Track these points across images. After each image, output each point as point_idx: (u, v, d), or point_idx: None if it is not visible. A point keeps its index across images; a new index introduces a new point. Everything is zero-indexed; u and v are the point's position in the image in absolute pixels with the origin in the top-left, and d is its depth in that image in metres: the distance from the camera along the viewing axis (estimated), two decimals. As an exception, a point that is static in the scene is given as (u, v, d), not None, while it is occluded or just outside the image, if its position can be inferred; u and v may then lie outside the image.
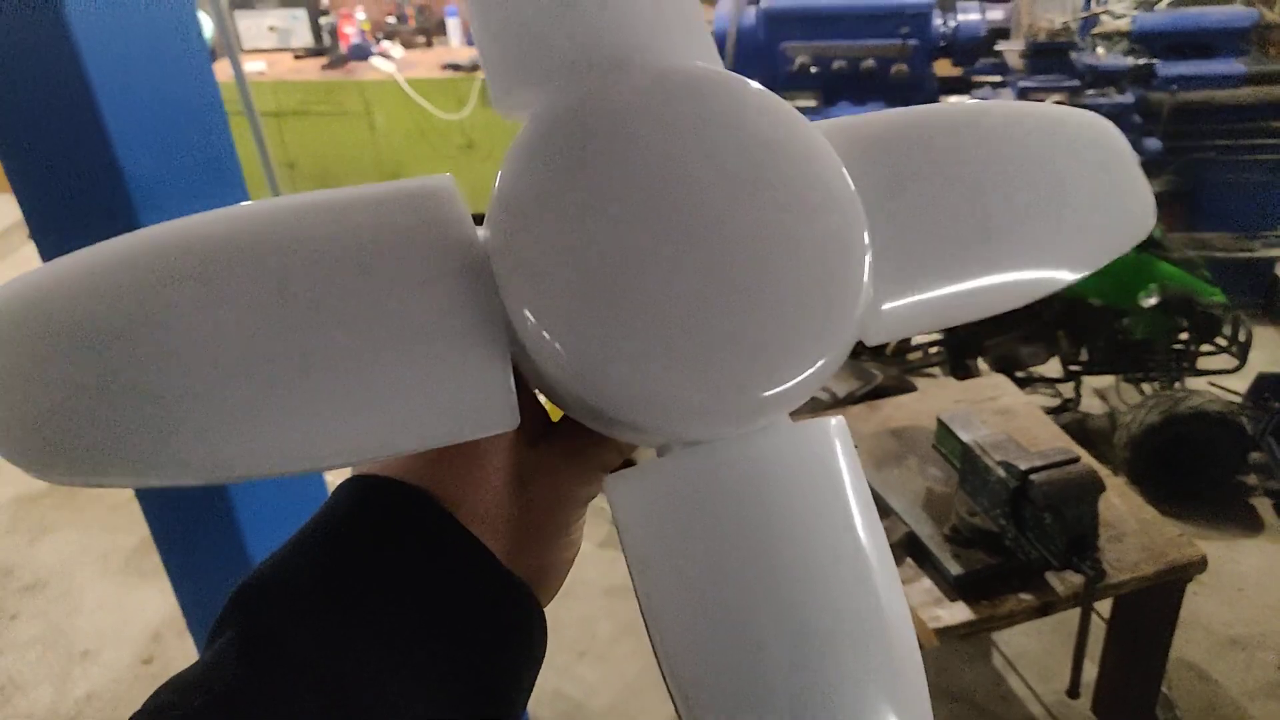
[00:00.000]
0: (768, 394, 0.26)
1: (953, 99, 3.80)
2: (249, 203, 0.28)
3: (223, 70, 2.08)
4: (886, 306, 0.30)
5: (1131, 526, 1.68)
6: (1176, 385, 2.71)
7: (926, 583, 1.59)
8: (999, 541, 1.58)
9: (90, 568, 2.64)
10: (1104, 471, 1.69)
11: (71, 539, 2.75)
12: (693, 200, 0.27)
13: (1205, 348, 2.71)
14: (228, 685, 0.26)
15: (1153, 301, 2.55)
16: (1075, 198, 0.33)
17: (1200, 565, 1.62)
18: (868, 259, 0.28)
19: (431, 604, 0.29)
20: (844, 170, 0.29)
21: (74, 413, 0.25)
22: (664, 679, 0.27)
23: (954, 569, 1.56)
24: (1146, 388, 2.81)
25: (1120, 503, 1.73)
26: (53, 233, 1.36)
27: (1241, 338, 2.63)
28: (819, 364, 0.27)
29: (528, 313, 0.26)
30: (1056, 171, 0.33)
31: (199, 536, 1.60)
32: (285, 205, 0.28)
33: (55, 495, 2.94)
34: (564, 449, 0.34)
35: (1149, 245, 2.63)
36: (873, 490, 1.75)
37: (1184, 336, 2.71)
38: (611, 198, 0.27)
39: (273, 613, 0.28)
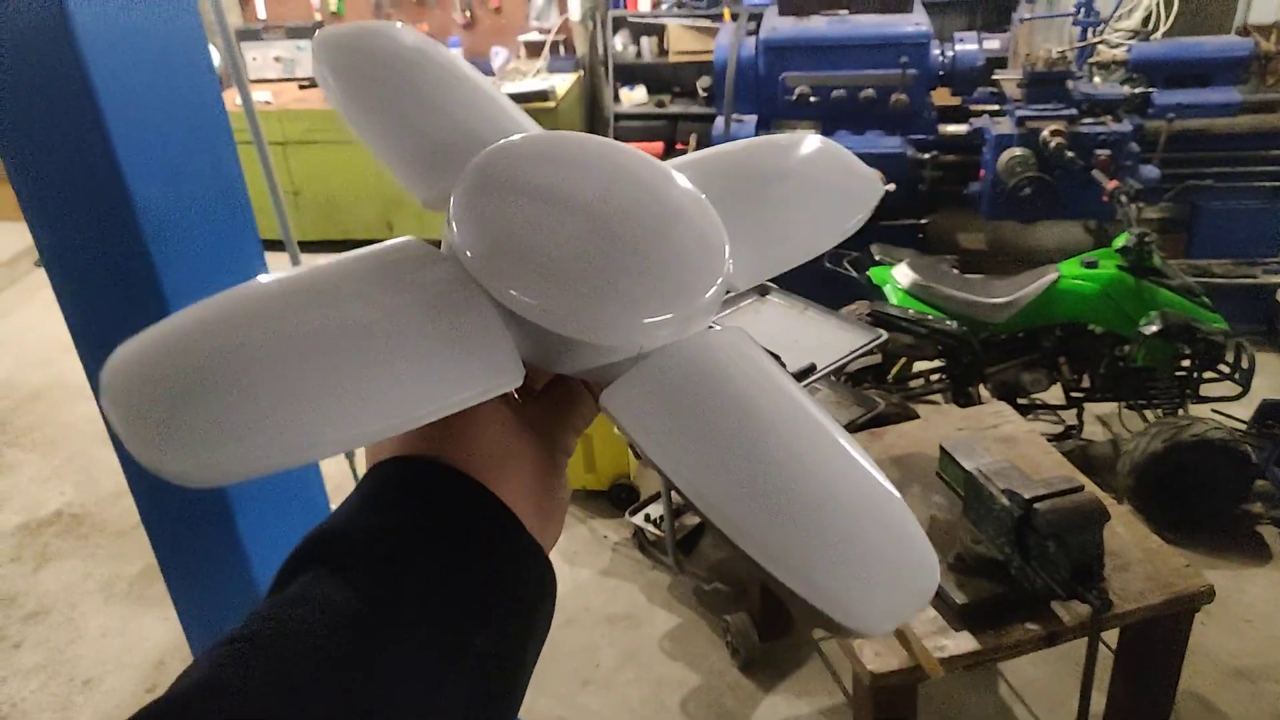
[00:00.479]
0: (658, 319, 0.37)
1: (951, 127, 3.83)
2: (299, 270, 0.37)
3: (230, 100, 2.11)
4: (738, 264, 0.42)
5: (1136, 555, 1.67)
6: (1179, 412, 2.71)
7: (931, 612, 1.59)
8: (1004, 570, 1.57)
9: (93, 595, 2.63)
10: (1108, 500, 1.69)
11: (75, 566, 2.75)
12: (593, 199, 0.39)
13: (1208, 374, 2.71)
14: (332, 600, 0.32)
15: (1154, 329, 2.56)
16: (820, 191, 0.49)
17: (1208, 595, 1.61)
18: (726, 245, 0.41)
19: (461, 545, 0.36)
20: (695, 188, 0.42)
21: (211, 400, 0.31)
22: (708, 523, 0.35)
23: (959, 598, 1.56)
24: (1149, 415, 2.81)
25: (1125, 531, 1.72)
26: (64, 259, 1.37)
27: (1244, 364, 2.64)
28: (690, 307, 0.38)
29: (509, 287, 0.36)
30: (802, 176, 0.50)
31: (204, 563, 1.60)
32: (314, 267, 0.37)
33: (60, 522, 2.94)
34: (546, 407, 0.42)
35: (1149, 272, 2.65)
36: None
37: (1186, 363, 2.71)
38: (538, 203, 0.39)
39: (347, 554, 0.34)
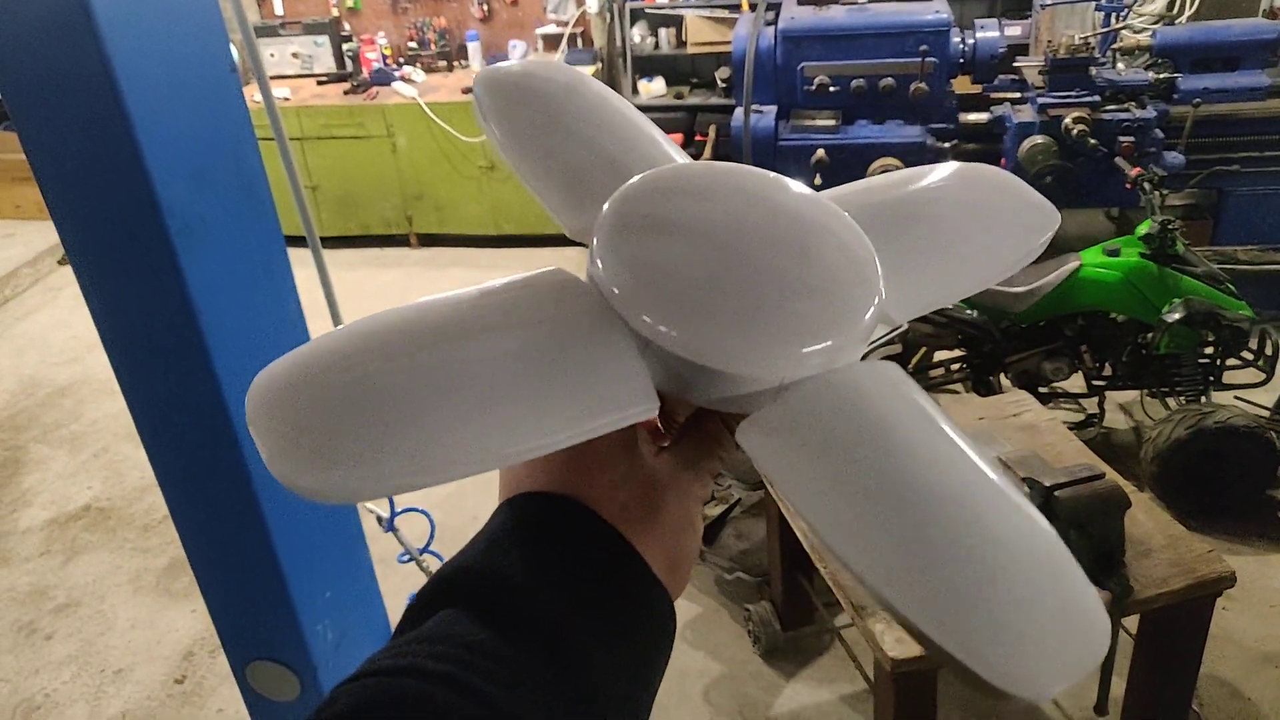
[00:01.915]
0: (808, 350, 0.36)
1: (971, 116, 3.80)
2: (445, 296, 0.38)
3: (249, 96, 2.12)
4: (897, 299, 0.40)
5: (1159, 542, 1.67)
6: (1203, 400, 2.68)
7: (952, 599, 1.59)
8: (1025, 558, 1.57)
9: (122, 588, 2.68)
10: (1129, 487, 1.68)
11: (104, 560, 2.79)
12: (729, 226, 0.39)
13: (1231, 361, 2.69)
14: (475, 640, 0.33)
15: (1177, 316, 2.54)
16: (986, 220, 0.47)
17: (1230, 580, 1.60)
18: (878, 264, 0.39)
19: (598, 589, 0.36)
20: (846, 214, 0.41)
21: (360, 421, 0.33)
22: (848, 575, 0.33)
23: (980, 586, 1.56)
24: (1172, 402, 2.79)
25: (1147, 519, 1.72)
26: (90, 258, 1.39)
27: (1268, 351, 2.61)
28: (842, 335, 0.36)
29: (645, 316, 0.36)
30: (971, 208, 0.47)
31: (232, 556, 1.62)
32: (457, 294, 0.38)
33: (88, 517, 2.99)
34: (682, 456, 0.41)
35: (1172, 260, 2.62)
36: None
37: (1209, 350, 2.69)
38: (674, 235, 0.38)
39: (491, 592, 0.35)
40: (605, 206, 0.40)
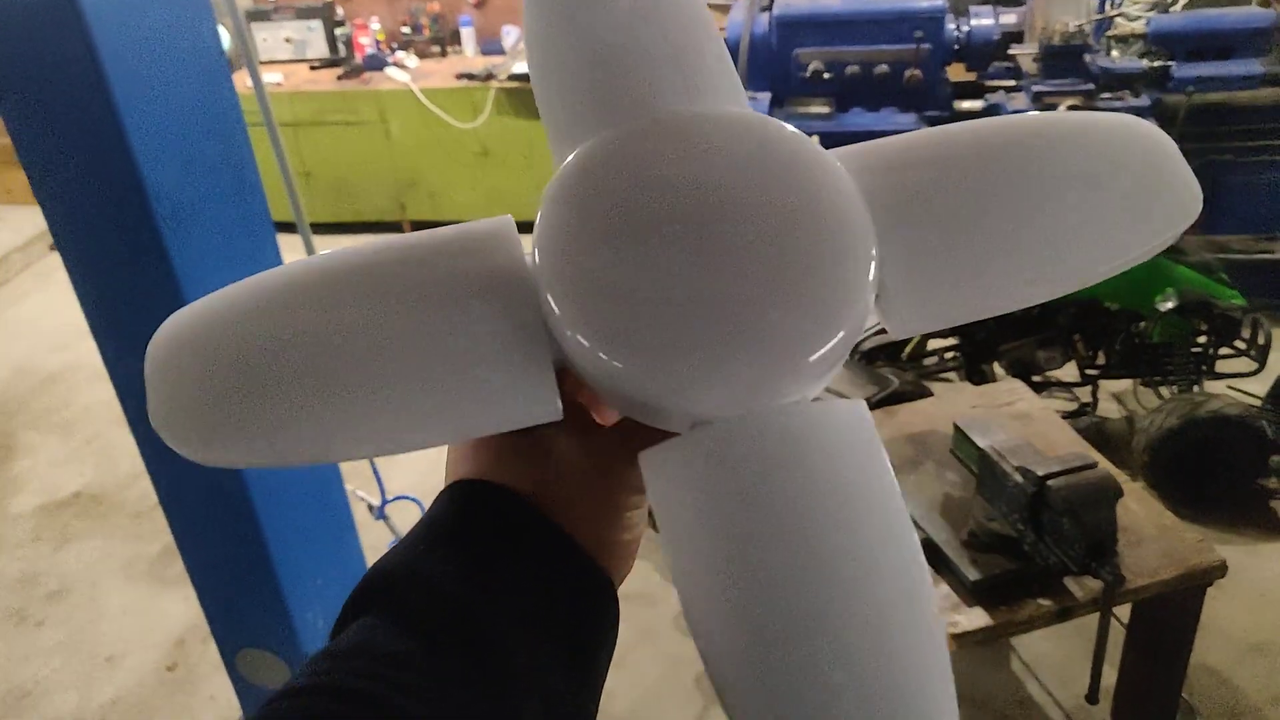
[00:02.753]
0: (734, 390, 0.30)
1: (966, 103, 3.79)
2: (350, 249, 0.36)
3: (240, 81, 2.11)
4: (908, 303, 0.33)
5: (1150, 531, 1.67)
6: (1195, 389, 2.69)
7: (944, 588, 1.59)
8: (1017, 547, 1.57)
9: (114, 575, 2.67)
10: (1122, 476, 1.69)
11: (95, 546, 2.78)
12: (713, 226, 0.32)
13: (1224, 350, 2.69)
14: (394, 651, 0.31)
15: (1170, 305, 2.54)
16: (1104, 194, 0.36)
17: (1220, 570, 1.61)
18: (872, 268, 0.32)
19: (531, 585, 0.34)
20: (854, 191, 0.33)
21: (245, 388, 0.32)
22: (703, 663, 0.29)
23: (972, 574, 1.56)
24: (1164, 391, 2.79)
25: (1139, 508, 1.72)
26: (78, 244, 1.38)
27: (1261, 340, 2.62)
28: (813, 357, 0.31)
29: (580, 337, 0.31)
30: (1077, 173, 0.36)
31: (222, 543, 1.62)
32: (378, 250, 0.36)
33: (79, 503, 2.98)
34: (615, 439, 0.38)
35: (1166, 249, 2.62)
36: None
37: (1202, 339, 2.69)
38: (641, 231, 0.32)
39: (414, 595, 0.33)
40: (557, 175, 0.34)
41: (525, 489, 0.36)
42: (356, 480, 1.46)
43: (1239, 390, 2.72)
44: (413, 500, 1.78)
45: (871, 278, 0.32)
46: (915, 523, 1.69)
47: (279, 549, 1.57)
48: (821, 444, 0.30)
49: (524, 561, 0.34)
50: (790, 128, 0.35)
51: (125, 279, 1.37)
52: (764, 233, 0.32)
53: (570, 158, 0.34)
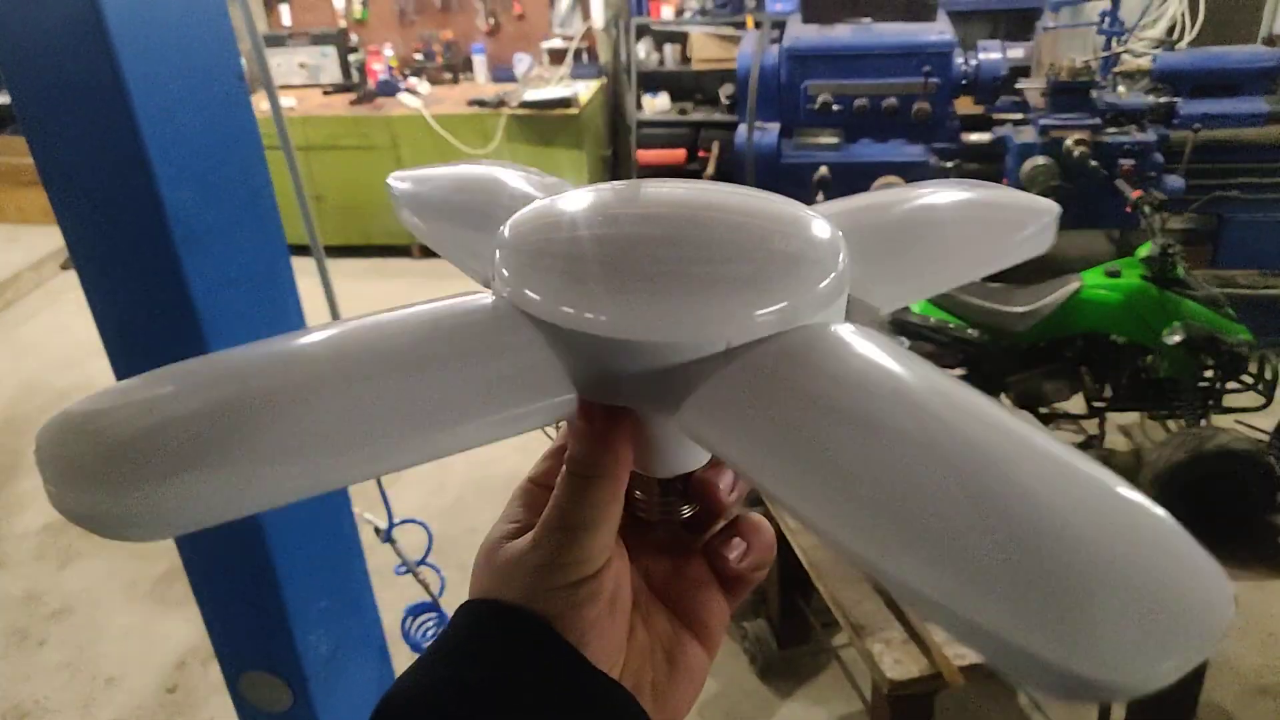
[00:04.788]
0: (758, 311, 0.31)
1: (974, 136, 3.82)
2: (355, 324, 0.34)
3: (256, 105, 2.12)
4: (876, 284, 0.37)
5: (1159, 566, 1.66)
6: (1202, 423, 2.68)
7: (951, 620, 1.58)
8: (1025, 579, 1.57)
9: (116, 595, 2.66)
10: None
11: (98, 566, 2.78)
12: (681, 217, 0.37)
13: (1231, 385, 2.69)
14: None
15: (1177, 339, 2.54)
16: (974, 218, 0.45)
17: (1229, 606, 1.60)
18: (838, 237, 0.36)
19: (535, 701, 0.31)
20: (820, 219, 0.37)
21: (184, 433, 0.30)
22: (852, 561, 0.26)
23: (979, 606, 1.56)
24: (1172, 425, 2.79)
25: (1147, 542, 1.71)
26: (95, 262, 1.39)
27: (1268, 375, 2.61)
28: (794, 296, 0.32)
29: (567, 307, 0.32)
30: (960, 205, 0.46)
31: (228, 564, 1.62)
32: (375, 329, 0.35)
33: (83, 522, 2.97)
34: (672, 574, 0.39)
35: (1173, 283, 2.63)
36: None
37: (1209, 374, 2.69)
38: (595, 224, 0.37)
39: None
40: (506, 224, 0.38)
41: (567, 627, 0.33)
42: (363, 503, 1.46)
43: (1247, 425, 2.72)
44: (419, 524, 1.78)
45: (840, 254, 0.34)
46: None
47: (285, 570, 1.57)
48: (866, 340, 0.31)
49: (530, 678, 0.32)
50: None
51: (141, 298, 1.38)
52: (727, 219, 0.37)
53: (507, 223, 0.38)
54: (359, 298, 4.48)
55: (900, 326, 2.63)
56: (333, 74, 5.13)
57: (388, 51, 5.26)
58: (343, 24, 5.38)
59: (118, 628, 2.55)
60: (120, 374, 1.45)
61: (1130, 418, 3.01)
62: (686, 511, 0.40)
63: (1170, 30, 4.21)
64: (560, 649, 0.32)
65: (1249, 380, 2.67)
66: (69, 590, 2.69)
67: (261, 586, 1.58)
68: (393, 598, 1.95)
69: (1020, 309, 2.74)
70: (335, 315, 1.66)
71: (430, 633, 1.88)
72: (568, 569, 0.33)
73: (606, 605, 0.34)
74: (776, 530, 1.83)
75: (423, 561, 1.72)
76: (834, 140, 3.74)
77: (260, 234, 1.47)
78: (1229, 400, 2.72)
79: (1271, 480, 2.48)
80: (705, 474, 0.38)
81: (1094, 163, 3.24)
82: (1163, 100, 3.54)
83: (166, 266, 1.32)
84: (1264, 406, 2.65)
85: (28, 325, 4.45)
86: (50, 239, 4.91)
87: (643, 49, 5.12)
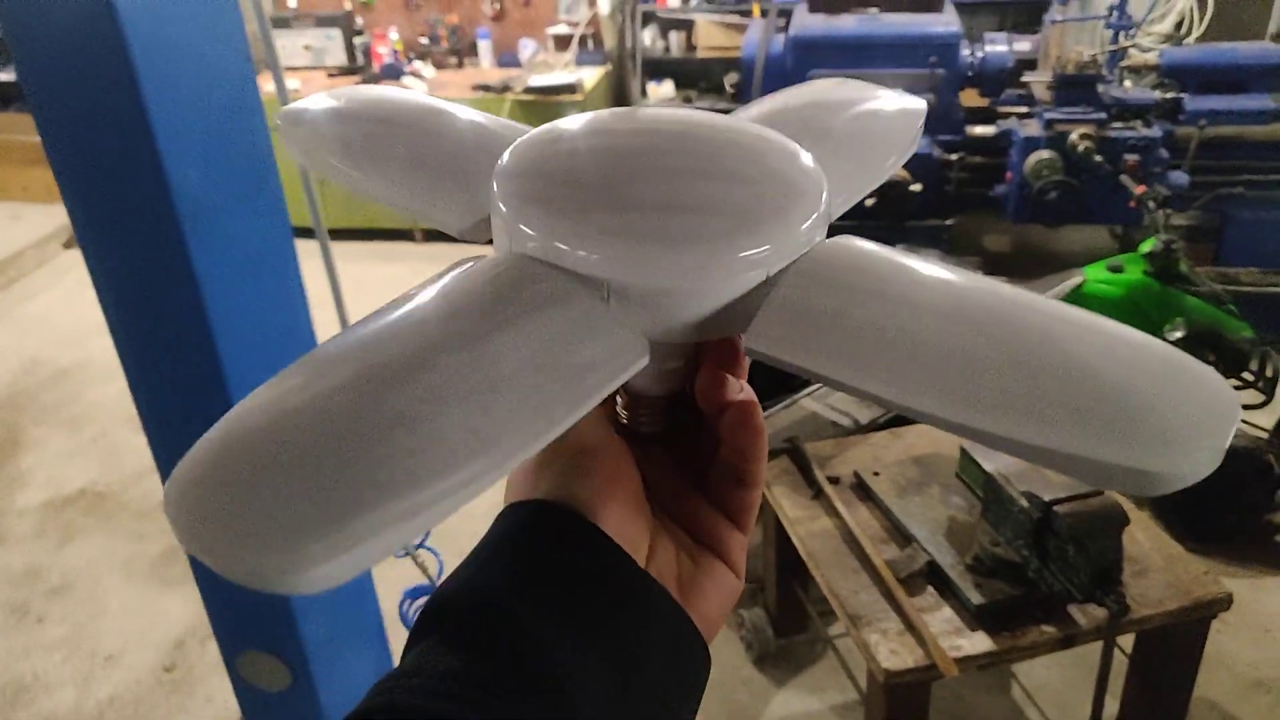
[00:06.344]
0: (802, 225, 0.34)
1: (979, 129, 3.81)
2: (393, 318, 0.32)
3: (260, 87, 2.12)
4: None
5: (1156, 562, 1.67)
6: (1202, 420, 2.68)
7: (947, 612, 1.59)
8: (1022, 572, 1.57)
9: (116, 573, 2.67)
10: (1128, 505, 1.69)
11: (99, 544, 2.79)
12: (653, 140, 0.38)
13: (1232, 382, 2.69)
14: (449, 666, 0.32)
15: (1178, 335, 2.54)
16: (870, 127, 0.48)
17: (1225, 603, 1.60)
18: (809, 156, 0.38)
19: (575, 590, 0.34)
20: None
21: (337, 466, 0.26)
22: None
23: (975, 598, 1.56)
24: (1171, 421, 2.78)
25: (1144, 537, 1.72)
26: (99, 238, 1.40)
27: (1269, 372, 2.62)
28: (817, 209, 0.35)
29: (593, 254, 0.32)
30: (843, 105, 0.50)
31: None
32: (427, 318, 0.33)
33: (84, 500, 2.98)
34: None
35: (1175, 279, 2.63)
36: (894, 518, 1.74)
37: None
38: (594, 158, 0.37)
39: (465, 612, 0.33)
40: (506, 165, 0.36)
41: (582, 505, 0.36)
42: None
43: (1247, 422, 2.72)
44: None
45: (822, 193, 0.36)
46: (920, 545, 1.69)
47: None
48: (873, 245, 0.35)
49: (579, 577, 0.34)
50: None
51: (145, 276, 1.38)
52: (712, 132, 0.39)
53: (507, 164, 0.37)
54: (361, 281, 4.47)
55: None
56: (338, 56, 5.11)
57: (393, 35, 5.24)
58: (348, 6, 5.36)
59: (117, 605, 2.56)
60: (123, 350, 1.46)
61: (1130, 413, 3.01)
62: (647, 426, 0.42)
63: (1178, 25, 4.19)
64: (566, 518, 0.35)
65: (1250, 377, 2.67)
66: (69, 567, 2.70)
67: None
68: (392, 579, 1.96)
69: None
70: (338, 297, 1.66)
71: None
72: (560, 452, 0.37)
73: (607, 480, 0.36)
74: (775, 519, 1.82)
75: (421, 545, 1.72)
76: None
77: (265, 214, 1.47)
78: (1230, 397, 2.72)
79: (1270, 478, 2.48)
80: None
81: (1098, 157, 3.23)
82: (1169, 96, 3.53)
83: (171, 244, 1.32)
84: (1265, 404, 2.65)
85: (31, 303, 4.45)
86: (54, 217, 4.91)
87: (648, 36, 5.10)
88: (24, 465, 3.17)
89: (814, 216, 0.35)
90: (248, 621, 1.71)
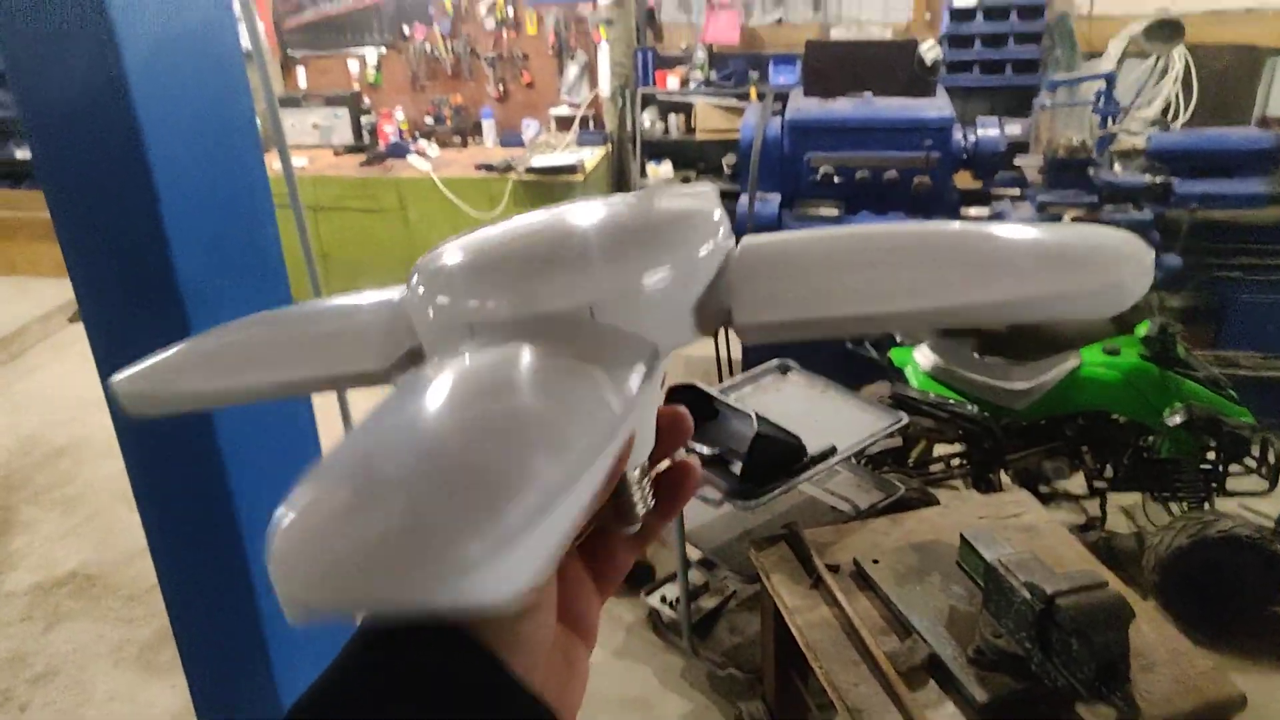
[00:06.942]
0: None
1: (973, 210, 3.86)
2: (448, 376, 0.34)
3: (267, 164, 2.16)
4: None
5: (1162, 656, 1.63)
6: (1205, 506, 2.65)
7: (950, 708, 1.55)
8: (1025, 665, 1.54)
9: (103, 659, 2.62)
10: (1133, 596, 1.66)
11: (86, 628, 2.74)
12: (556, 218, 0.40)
13: (1234, 468, 2.67)
14: None
15: (1178, 420, 2.53)
16: None
17: (1239, 703, 1.56)
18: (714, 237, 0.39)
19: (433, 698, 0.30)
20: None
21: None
22: None
23: (980, 695, 1.53)
24: (1174, 507, 2.76)
25: (1150, 630, 1.68)
26: (102, 315, 1.41)
27: (1271, 459, 2.59)
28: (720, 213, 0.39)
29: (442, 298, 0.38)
30: None
31: (219, 631, 1.59)
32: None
33: (73, 583, 2.94)
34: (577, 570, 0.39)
35: (1173, 363, 2.63)
36: (895, 608, 1.70)
37: (1211, 456, 2.67)
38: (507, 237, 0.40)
39: None
40: (416, 278, 0.41)
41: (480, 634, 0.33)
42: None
43: (1251, 510, 2.69)
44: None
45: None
46: (920, 636, 1.66)
47: (275, 634, 1.55)
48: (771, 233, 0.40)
49: (450, 690, 0.31)
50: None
51: (146, 351, 1.38)
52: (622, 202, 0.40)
53: (415, 276, 0.42)
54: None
55: (899, 401, 2.62)
56: (344, 135, 5.21)
57: (399, 114, 5.36)
58: (356, 87, 5.49)
59: (103, 692, 2.50)
60: (121, 430, 1.45)
61: (1132, 497, 2.99)
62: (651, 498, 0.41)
63: (1165, 110, 4.29)
64: (487, 663, 0.32)
65: (1252, 464, 2.64)
66: (55, 652, 2.65)
67: (250, 650, 1.56)
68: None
69: (1020, 386, 2.73)
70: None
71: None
72: None
73: (545, 616, 0.34)
74: (773, 608, 1.78)
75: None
76: (834, 211, 3.78)
77: (266, 291, 1.49)
78: (1232, 484, 2.69)
79: (1275, 568, 2.42)
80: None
81: (1092, 240, 3.26)
82: (1159, 180, 3.59)
83: (174, 323, 1.33)
84: (1268, 491, 2.61)
85: (31, 378, 4.46)
86: (60, 291, 4.95)
87: (648, 118, 5.21)
88: (15, 546, 3.13)
89: (724, 223, 0.39)
90: (233, 702, 1.67)
